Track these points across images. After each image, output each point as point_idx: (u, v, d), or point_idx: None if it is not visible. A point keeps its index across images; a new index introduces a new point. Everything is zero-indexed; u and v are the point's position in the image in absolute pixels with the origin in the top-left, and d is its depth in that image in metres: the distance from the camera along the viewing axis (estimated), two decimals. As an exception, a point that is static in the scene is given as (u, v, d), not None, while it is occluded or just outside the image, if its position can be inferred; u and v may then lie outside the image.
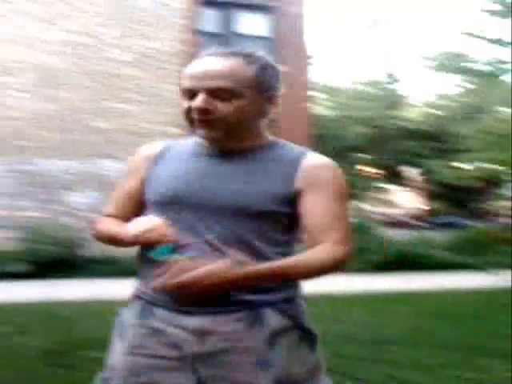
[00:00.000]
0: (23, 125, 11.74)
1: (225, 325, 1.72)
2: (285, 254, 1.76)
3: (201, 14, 13.46)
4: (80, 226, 11.46)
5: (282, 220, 1.77)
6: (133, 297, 1.89)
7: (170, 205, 1.80)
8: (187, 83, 1.75)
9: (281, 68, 1.86)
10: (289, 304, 1.80)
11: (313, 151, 1.86)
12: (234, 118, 1.73)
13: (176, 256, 1.67)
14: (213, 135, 1.77)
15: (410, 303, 8.14)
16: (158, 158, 1.93)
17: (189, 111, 1.75)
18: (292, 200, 1.77)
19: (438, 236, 15.84)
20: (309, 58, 16.55)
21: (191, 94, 1.74)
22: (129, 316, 1.86)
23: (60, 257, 10.64)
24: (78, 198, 11.89)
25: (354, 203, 28.77)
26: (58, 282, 8.83)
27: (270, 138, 1.89)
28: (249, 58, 1.76)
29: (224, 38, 14.64)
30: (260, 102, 1.78)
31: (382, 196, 36.08)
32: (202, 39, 13.17)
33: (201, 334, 1.72)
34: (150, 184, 1.88)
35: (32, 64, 11.84)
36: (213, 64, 1.72)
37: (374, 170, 31.32)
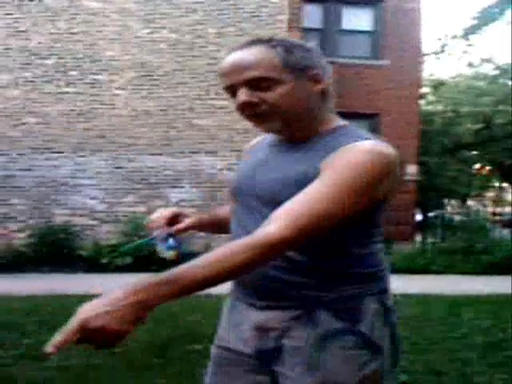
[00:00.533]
0: (126, 122, 12.01)
1: (281, 322, 1.71)
2: (338, 247, 1.68)
3: (303, 9, 13.28)
4: None
5: None
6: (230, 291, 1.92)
7: (235, 195, 1.86)
8: (223, 82, 1.72)
9: (313, 45, 1.78)
10: (348, 305, 1.70)
11: (378, 139, 1.67)
12: (282, 106, 1.67)
13: (161, 247, 1.73)
14: (270, 127, 1.74)
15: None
16: (249, 152, 1.97)
17: (237, 108, 1.71)
18: None
19: None
20: (421, 53, 16.10)
21: (232, 91, 1.70)
22: (225, 307, 1.92)
23: (160, 251, 10.86)
24: (179, 194, 12.05)
25: (468, 202, 27.97)
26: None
27: (338, 123, 1.78)
28: (270, 42, 1.69)
29: (327, 34, 14.47)
30: (303, 83, 1.70)
31: (495, 195, 34.94)
32: (304, 36, 13.02)
33: (260, 330, 1.74)
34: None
35: (133, 62, 12.07)
36: (237, 57, 1.68)
37: (486, 168, 30.38)
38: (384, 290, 1.77)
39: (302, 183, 1.59)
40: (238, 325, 1.80)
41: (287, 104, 1.66)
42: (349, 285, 1.70)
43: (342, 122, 1.79)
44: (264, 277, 1.67)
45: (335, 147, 1.63)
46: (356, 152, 1.58)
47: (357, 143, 1.61)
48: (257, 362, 1.76)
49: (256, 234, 1.50)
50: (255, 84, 1.65)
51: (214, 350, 1.88)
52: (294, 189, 1.59)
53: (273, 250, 1.48)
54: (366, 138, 1.65)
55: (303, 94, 1.70)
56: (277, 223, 1.48)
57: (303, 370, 1.66)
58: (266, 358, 1.74)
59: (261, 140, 1.97)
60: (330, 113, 1.78)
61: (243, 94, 1.66)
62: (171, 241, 1.73)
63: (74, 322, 1.31)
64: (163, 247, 1.68)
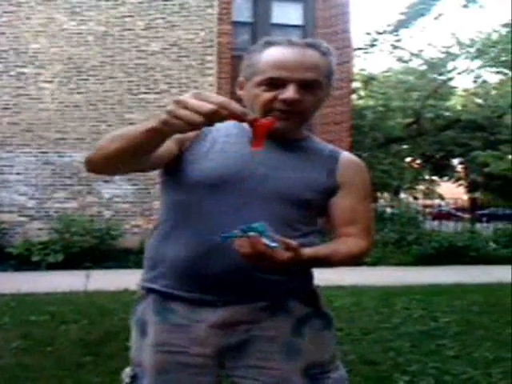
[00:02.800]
0: (54, 116, 11.74)
1: (248, 315, 1.72)
2: (307, 245, 1.71)
3: (233, 3, 13.22)
4: (113, 217, 11.66)
5: (315, 211, 1.81)
6: (144, 291, 1.86)
7: (214, 186, 1.72)
8: (275, 73, 1.70)
9: None
10: (308, 292, 1.84)
11: (343, 143, 1.86)
12: (314, 110, 1.77)
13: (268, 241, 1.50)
14: (289, 126, 1.75)
15: (455, 296, 7.98)
16: (199, 136, 1.81)
17: (272, 101, 1.70)
18: (330, 193, 1.81)
19: (484, 228, 15.61)
20: (351, 47, 16.23)
21: (277, 83, 1.70)
22: (146, 312, 1.83)
23: (93, 247, 10.77)
24: (112, 190, 11.89)
25: (399, 195, 28.46)
26: (91, 272, 8.89)
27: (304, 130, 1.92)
28: (321, 49, 1.76)
29: (258, 28, 14.44)
30: (328, 91, 1.81)
31: (425, 187, 35.69)
32: (234, 29, 12.98)
33: (225, 326, 1.72)
34: (191, 162, 1.76)
35: (60, 55, 11.80)
36: (302, 54, 1.71)
37: (417, 161, 30.98)
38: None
39: (327, 190, 1.80)
40: (183, 326, 1.74)
41: (316, 109, 1.78)
42: (307, 273, 1.85)
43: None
44: (233, 275, 1.67)
45: (332, 156, 1.85)
46: (365, 171, 1.91)
47: (357, 160, 1.91)
48: (211, 362, 1.73)
49: (351, 240, 1.78)
50: (306, 85, 1.70)
51: (152, 357, 1.77)
52: (321, 193, 1.79)
53: (365, 255, 1.85)
54: (336, 147, 1.94)
55: (325, 100, 1.82)
56: (361, 234, 1.81)
57: (283, 357, 1.72)
58: (227, 355, 1.73)
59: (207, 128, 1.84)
60: None
61: (296, 92, 1.68)
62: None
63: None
64: (272, 244, 1.50)
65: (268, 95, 1.69)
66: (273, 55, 1.71)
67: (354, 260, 1.80)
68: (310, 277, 1.86)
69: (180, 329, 1.74)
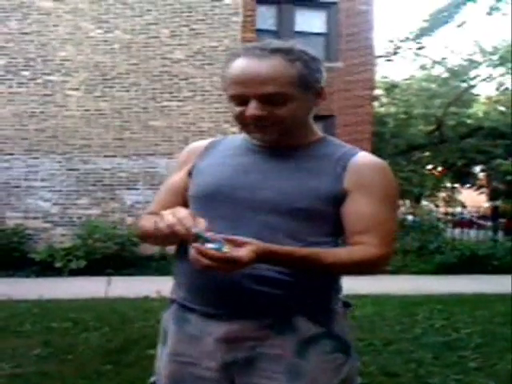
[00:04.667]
0: (79, 123, 11.85)
1: (253, 331, 1.69)
2: None
3: (256, 11, 13.24)
4: (135, 223, 11.59)
5: (326, 220, 1.72)
6: (170, 300, 1.88)
7: (211, 199, 1.75)
8: (235, 89, 1.68)
9: (319, 56, 1.77)
10: (321, 311, 1.74)
11: (364, 150, 1.81)
12: (288, 121, 1.68)
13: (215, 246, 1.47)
14: (268, 138, 1.74)
15: (477, 306, 7.91)
16: (203, 153, 1.89)
17: (241, 116, 1.70)
18: (338, 200, 1.71)
19: (506, 237, 15.43)
20: (373, 55, 16.19)
21: (241, 99, 1.68)
22: (168, 321, 1.86)
23: (115, 254, 10.82)
24: (134, 196, 11.97)
25: (420, 202, 28.30)
26: (112, 279, 8.90)
27: (320, 134, 1.85)
28: (290, 54, 1.67)
29: (281, 36, 14.46)
30: (309, 98, 1.72)
31: (447, 195, 35.38)
32: (258, 37, 12.98)
33: (230, 341, 1.69)
34: (193, 178, 1.85)
35: (86, 63, 11.93)
36: (258, 67, 1.64)
37: (438, 169, 30.75)
38: (340, 291, 1.83)
39: (332, 197, 1.69)
40: (197, 338, 1.74)
41: (293, 119, 1.68)
42: (321, 290, 1.74)
43: (320, 132, 1.85)
44: (235, 287, 1.65)
45: (342, 159, 1.73)
46: (381, 172, 1.75)
47: (373, 161, 1.77)
48: (220, 376, 1.71)
49: (360, 249, 1.65)
50: (268, 98, 1.64)
51: (168, 366, 1.80)
52: (323, 201, 1.68)
53: (377, 265, 1.69)
54: (360, 151, 1.79)
55: (308, 108, 1.74)
56: (375, 243, 1.65)
57: (286, 378, 1.66)
58: (235, 370, 1.70)
59: (213, 142, 1.93)
60: (312, 123, 1.82)
61: (255, 108, 1.64)
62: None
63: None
64: (216, 246, 1.48)
65: (238, 110, 1.69)
66: (231, 71, 1.68)
67: (360, 269, 1.70)
68: (324, 294, 1.76)
69: (193, 340, 1.75)
